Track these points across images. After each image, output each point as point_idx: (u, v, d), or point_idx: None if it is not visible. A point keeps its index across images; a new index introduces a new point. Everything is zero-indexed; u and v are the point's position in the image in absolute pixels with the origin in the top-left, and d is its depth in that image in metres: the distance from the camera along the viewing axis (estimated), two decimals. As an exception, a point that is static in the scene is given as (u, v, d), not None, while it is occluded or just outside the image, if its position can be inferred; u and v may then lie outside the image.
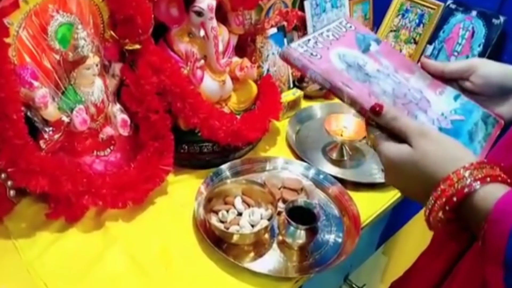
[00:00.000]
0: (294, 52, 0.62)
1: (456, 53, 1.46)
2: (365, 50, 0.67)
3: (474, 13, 1.43)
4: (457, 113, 0.63)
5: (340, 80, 0.59)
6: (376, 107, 0.55)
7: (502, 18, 1.37)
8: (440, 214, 0.48)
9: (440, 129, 0.59)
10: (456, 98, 0.65)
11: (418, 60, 1.50)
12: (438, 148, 0.51)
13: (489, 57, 1.40)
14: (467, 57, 1.43)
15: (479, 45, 1.42)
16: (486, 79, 0.63)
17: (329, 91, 0.60)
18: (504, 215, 0.44)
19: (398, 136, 0.54)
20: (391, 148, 0.54)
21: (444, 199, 0.48)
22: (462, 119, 0.62)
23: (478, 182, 0.47)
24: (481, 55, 1.41)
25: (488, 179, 0.47)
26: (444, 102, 0.63)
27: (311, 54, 0.62)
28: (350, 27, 0.70)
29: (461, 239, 0.53)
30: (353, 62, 0.64)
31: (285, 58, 0.62)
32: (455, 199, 0.47)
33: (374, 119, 0.56)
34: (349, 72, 0.61)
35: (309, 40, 0.65)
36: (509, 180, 0.48)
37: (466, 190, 0.47)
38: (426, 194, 0.50)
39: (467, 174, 0.47)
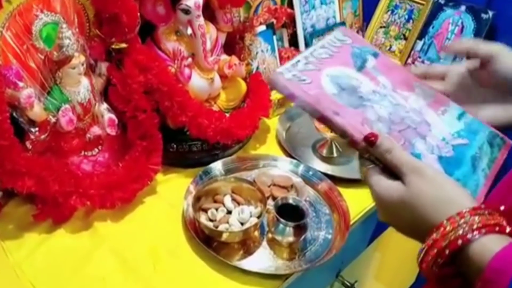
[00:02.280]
0: (281, 78, 0.57)
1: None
2: (361, 67, 0.62)
3: (463, 8, 1.43)
4: (460, 135, 0.59)
5: (331, 109, 0.55)
6: (371, 137, 0.52)
7: (490, 13, 1.38)
8: (432, 265, 0.46)
9: (440, 158, 0.55)
10: (460, 117, 0.61)
11: (409, 56, 1.52)
12: (431, 189, 0.48)
13: (478, 52, 1.41)
14: (457, 52, 1.43)
15: (468, 40, 1.42)
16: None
17: (319, 121, 0.57)
18: (498, 276, 0.41)
19: (392, 171, 0.52)
20: (383, 184, 0.51)
21: (435, 250, 0.45)
22: (465, 143, 0.58)
23: (474, 233, 0.44)
24: (471, 50, 1.41)
25: (484, 230, 0.44)
26: (446, 123, 0.59)
27: (300, 79, 0.58)
28: (346, 40, 0.66)
29: (454, 286, 0.49)
30: (347, 84, 0.59)
31: (272, 86, 0.58)
32: (447, 251, 0.44)
33: (368, 149, 0.53)
34: (342, 97, 0.57)
35: (298, 61, 0.60)
36: (508, 229, 0.45)
37: (459, 242, 0.44)
38: (419, 236, 0.48)
39: (461, 222, 0.44)
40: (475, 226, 0.44)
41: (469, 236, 0.44)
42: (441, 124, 0.59)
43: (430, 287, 0.57)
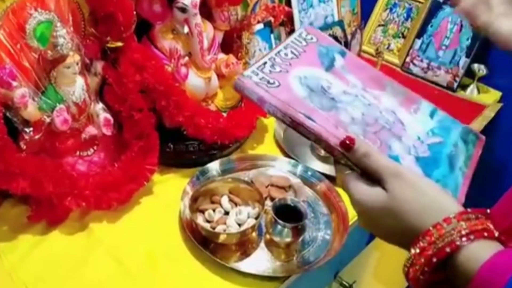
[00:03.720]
0: (247, 82, 0.54)
1: (444, 47, 1.46)
2: (329, 66, 0.60)
3: (462, 6, 1.42)
4: (434, 134, 0.58)
5: (302, 113, 0.52)
6: (348, 141, 0.50)
7: (490, 11, 1.37)
8: (419, 274, 0.44)
9: (418, 158, 0.54)
10: (432, 114, 0.60)
11: (407, 55, 1.51)
12: (414, 194, 0.46)
13: (478, 52, 1.40)
14: (456, 50, 1.43)
15: (467, 39, 1.42)
16: None
17: (290, 127, 0.53)
18: (486, 285, 0.41)
19: (371, 176, 0.50)
20: (363, 191, 0.49)
21: (423, 260, 0.43)
22: (440, 141, 0.57)
23: (463, 239, 0.42)
24: (470, 48, 1.41)
25: (472, 236, 0.42)
26: (419, 122, 0.58)
27: (268, 82, 0.54)
28: (311, 38, 0.63)
29: None
30: (316, 85, 0.57)
31: (239, 91, 0.55)
32: (435, 259, 0.43)
33: (345, 154, 0.50)
34: (313, 100, 0.54)
35: (265, 63, 0.57)
36: (496, 233, 0.44)
37: (448, 249, 0.42)
38: (404, 244, 0.46)
39: (449, 228, 0.43)
40: (463, 232, 0.43)
41: (457, 243, 0.42)
42: (415, 123, 0.58)
43: None
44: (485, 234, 0.43)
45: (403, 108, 0.59)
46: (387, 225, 0.48)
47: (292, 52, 0.60)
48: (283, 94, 0.54)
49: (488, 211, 0.45)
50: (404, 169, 0.49)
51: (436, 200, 0.46)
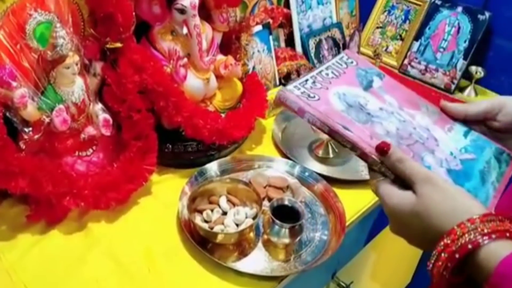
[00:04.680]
0: (290, 95, 0.59)
1: (442, 49, 1.46)
2: (367, 87, 0.63)
3: (459, 9, 1.43)
4: (467, 151, 0.59)
5: (340, 123, 0.56)
6: (383, 146, 0.53)
7: (487, 14, 1.38)
8: (442, 270, 0.46)
9: (449, 171, 0.55)
10: (466, 134, 0.62)
11: (405, 57, 1.52)
12: (443, 198, 0.48)
13: (475, 54, 1.41)
14: (453, 53, 1.44)
15: (465, 41, 1.42)
16: None
17: (328, 135, 0.57)
18: (504, 280, 0.42)
19: (403, 181, 0.52)
20: (394, 196, 0.52)
21: (446, 255, 0.45)
22: (473, 158, 0.58)
23: (484, 238, 0.44)
24: (467, 51, 1.41)
25: (494, 235, 0.44)
26: (453, 140, 0.60)
27: (309, 96, 0.59)
28: (352, 62, 0.67)
29: None
30: (354, 101, 0.60)
31: (281, 102, 0.59)
32: (457, 255, 0.45)
33: (380, 159, 0.53)
34: (350, 113, 0.58)
35: (306, 80, 0.62)
36: None
37: (470, 246, 0.44)
38: (430, 245, 0.48)
39: (472, 227, 0.45)
40: (485, 231, 0.44)
41: (479, 241, 0.44)
42: (448, 140, 0.60)
43: None
44: (507, 234, 0.45)
45: (437, 127, 0.61)
46: (416, 228, 0.50)
47: (332, 73, 0.64)
48: (322, 107, 0.58)
49: None
50: (435, 175, 0.51)
51: (463, 204, 0.48)
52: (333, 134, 0.56)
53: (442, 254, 0.46)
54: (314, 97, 0.59)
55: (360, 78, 0.65)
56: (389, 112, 0.61)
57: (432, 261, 0.47)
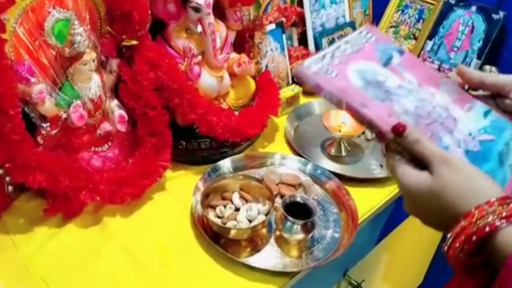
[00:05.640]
0: (307, 70, 0.58)
1: (456, 49, 1.45)
2: (387, 63, 0.62)
3: (473, 8, 1.42)
4: (486, 132, 0.58)
5: (357, 101, 0.55)
6: (399, 127, 0.52)
7: (501, 13, 1.37)
8: (459, 252, 0.46)
9: (467, 152, 0.55)
10: (486, 114, 0.60)
11: (419, 56, 1.51)
12: (460, 179, 0.48)
13: (489, 53, 1.40)
14: (467, 52, 1.43)
15: (479, 41, 1.41)
16: None
17: (346, 111, 0.56)
18: None
19: (419, 161, 0.52)
20: (410, 175, 0.52)
21: (463, 237, 0.45)
22: (492, 139, 0.57)
23: (502, 221, 0.44)
24: (481, 50, 1.41)
25: None
26: (472, 120, 0.59)
27: (326, 71, 0.58)
28: (371, 37, 0.65)
29: (481, 276, 0.48)
30: (373, 78, 0.59)
31: (298, 77, 0.60)
32: (474, 238, 0.44)
33: (396, 140, 0.53)
34: (368, 90, 0.57)
35: (324, 56, 0.60)
36: None
37: (487, 229, 0.44)
38: (447, 226, 0.48)
39: (490, 210, 0.44)
40: (504, 214, 0.44)
41: (497, 223, 0.44)
42: (467, 120, 0.59)
43: (457, 279, 0.57)
44: None
45: (456, 106, 0.60)
46: (432, 208, 0.50)
47: (351, 48, 0.63)
48: (340, 83, 0.57)
49: None
50: (452, 156, 0.51)
51: (480, 185, 0.48)
52: (350, 111, 0.55)
53: (459, 236, 0.46)
54: (332, 73, 0.58)
55: (379, 54, 0.63)
56: (408, 89, 0.60)
57: (448, 243, 0.47)
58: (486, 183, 0.48)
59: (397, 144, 0.53)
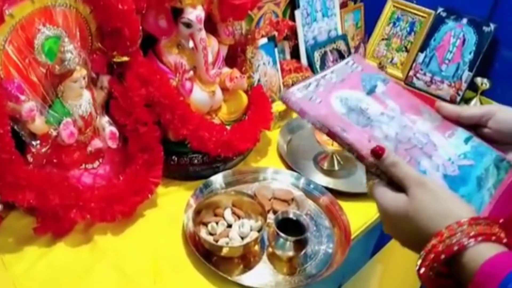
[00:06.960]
0: (292, 96, 0.60)
1: (447, 61, 1.46)
2: (370, 91, 0.64)
3: (464, 20, 1.44)
4: (466, 157, 0.59)
5: (338, 125, 0.57)
6: (378, 150, 0.54)
7: (492, 26, 1.38)
8: (429, 270, 0.47)
9: (445, 176, 0.56)
10: (467, 140, 0.62)
11: (410, 68, 1.52)
12: (433, 201, 0.49)
13: (480, 65, 1.41)
14: (459, 64, 1.44)
15: (470, 53, 1.42)
16: (504, 124, 0.60)
17: (328, 136, 0.59)
18: (487, 279, 0.43)
19: (397, 184, 0.53)
20: (388, 198, 0.53)
21: (433, 255, 0.46)
22: (471, 164, 0.59)
23: (470, 240, 0.45)
24: (472, 62, 1.42)
25: (480, 238, 0.45)
26: (453, 146, 0.60)
27: (310, 98, 0.60)
28: (357, 67, 0.68)
29: None
30: (355, 105, 0.61)
31: (284, 102, 0.61)
32: (443, 256, 0.46)
33: (375, 162, 0.54)
34: (350, 117, 0.59)
35: (310, 84, 0.63)
36: (505, 240, 0.46)
37: (455, 248, 0.45)
38: (420, 247, 0.49)
39: (459, 230, 0.46)
40: (472, 234, 0.45)
41: (465, 242, 0.45)
42: (448, 146, 0.60)
43: None
44: (493, 238, 0.45)
45: (438, 132, 0.62)
46: (406, 229, 0.51)
47: (337, 77, 0.65)
48: (323, 109, 0.59)
49: (501, 220, 0.48)
50: (428, 180, 0.52)
51: (453, 207, 0.49)
52: (332, 135, 0.58)
53: (429, 254, 0.47)
54: (316, 99, 0.60)
55: (364, 83, 0.66)
56: (390, 116, 0.62)
57: (419, 262, 0.48)
58: (459, 205, 0.50)
59: (376, 167, 0.55)
